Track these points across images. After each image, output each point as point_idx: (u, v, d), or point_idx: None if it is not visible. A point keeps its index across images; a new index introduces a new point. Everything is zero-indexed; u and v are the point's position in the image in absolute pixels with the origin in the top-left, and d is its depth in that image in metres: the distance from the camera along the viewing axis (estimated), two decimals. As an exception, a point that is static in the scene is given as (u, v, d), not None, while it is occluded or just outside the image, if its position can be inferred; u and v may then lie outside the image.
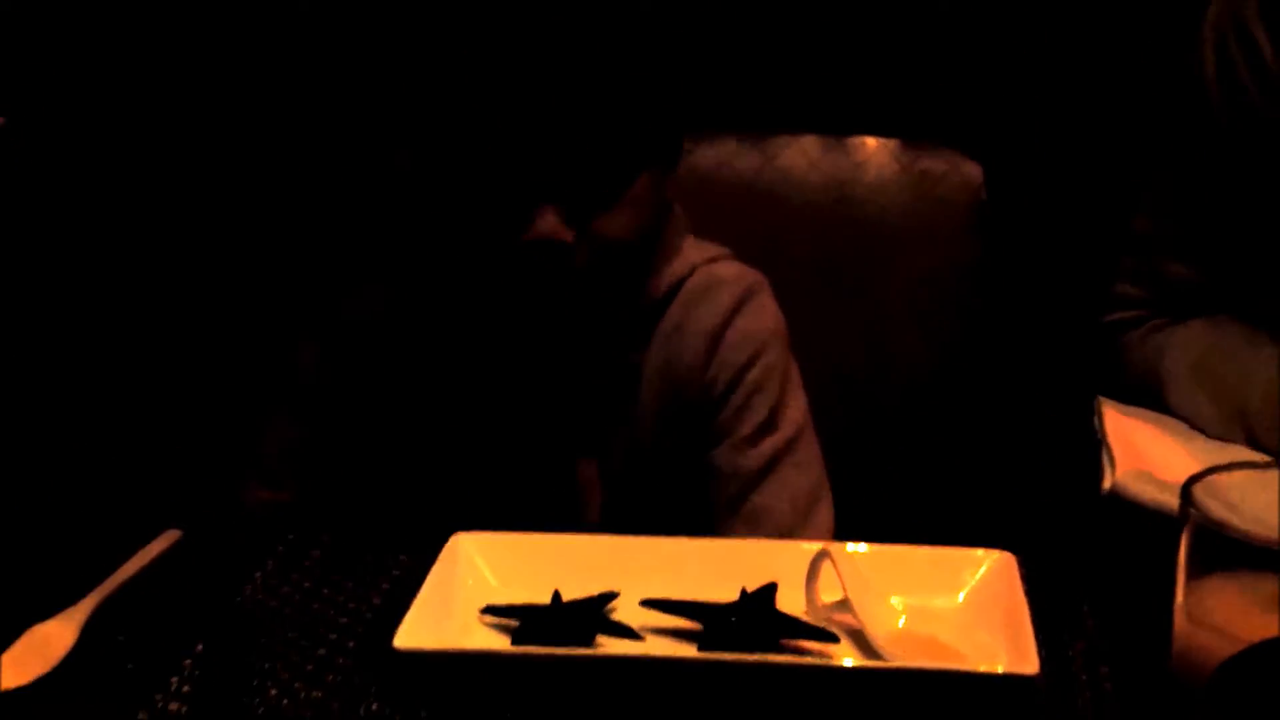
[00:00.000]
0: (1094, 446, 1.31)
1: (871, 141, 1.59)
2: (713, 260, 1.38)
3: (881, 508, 1.39)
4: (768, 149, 1.59)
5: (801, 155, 1.59)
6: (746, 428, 1.34)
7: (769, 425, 1.34)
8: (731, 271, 1.38)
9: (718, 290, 1.36)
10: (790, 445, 1.34)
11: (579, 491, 1.34)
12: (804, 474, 1.34)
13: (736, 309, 1.36)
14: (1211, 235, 1.39)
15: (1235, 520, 0.81)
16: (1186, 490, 0.81)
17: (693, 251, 1.38)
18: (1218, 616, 0.79)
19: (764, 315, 1.37)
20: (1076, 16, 1.92)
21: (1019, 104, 1.94)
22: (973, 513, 1.47)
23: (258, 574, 1.13)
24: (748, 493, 1.33)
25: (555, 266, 1.27)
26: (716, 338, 1.35)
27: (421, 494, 1.35)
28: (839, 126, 1.60)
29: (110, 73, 1.95)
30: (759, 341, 1.36)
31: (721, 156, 1.58)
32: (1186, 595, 0.80)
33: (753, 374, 1.35)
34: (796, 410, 1.35)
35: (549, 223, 1.26)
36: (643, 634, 1.02)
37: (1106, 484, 1.24)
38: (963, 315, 1.56)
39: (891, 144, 1.59)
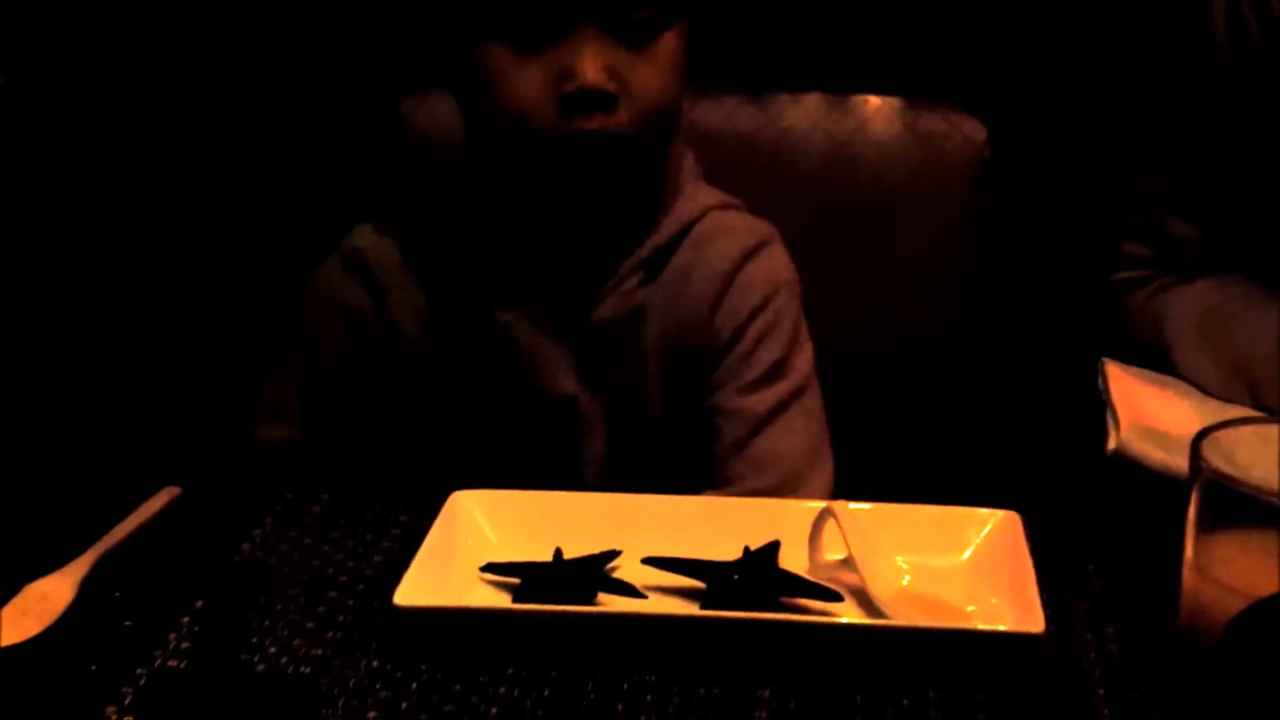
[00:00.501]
0: (1098, 406, 1.30)
1: (874, 100, 1.58)
2: (725, 207, 1.37)
3: (885, 467, 1.38)
4: (770, 108, 1.58)
5: (804, 114, 1.58)
6: (755, 371, 1.32)
7: (778, 370, 1.33)
8: (744, 220, 1.37)
9: (728, 235, 1.35)
10: (798, 393, 1.33)
11: (581, 428, 1.33)
12: (812, 423, 1.33)
13: (748, 255, 1.35)
14: (1218, 194, 1.38)
15: (1242, 476, 0.80)
16: (1195, 446, 0.80)
17: (705, 195, 1.37)
18: (1226, 572, 0.78)
19: (775, 263, 1.36)
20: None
21: (1023, 62, 1.92)
22: (977, 472, 1.46)
23: (257, 531, 1.12)
24: (753, 436, 1.31)
25: (600, 123, 1.23)
26: (726, 282, 1.33)
27: (424, 429, 1.33)
28: (842, 85, 1.59)
29: (110, 31, 1.94)
30: (770, 287, 1.34)
31: (723, 115, 1.57)
32: (1195, 551, 0.79)
33: (762, 318, 1.33)
34: (804, 360, 1.34)
35: (592, 71, 1.22)
36: (645, 592, 1.02)
37: (1111, 444, 1.24)
38: (965, 275, 1.56)
39: (894, 103, 1.58)
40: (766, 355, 1.33)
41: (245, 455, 1.37)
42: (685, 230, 1.35)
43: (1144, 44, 1.69)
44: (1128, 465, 1.22)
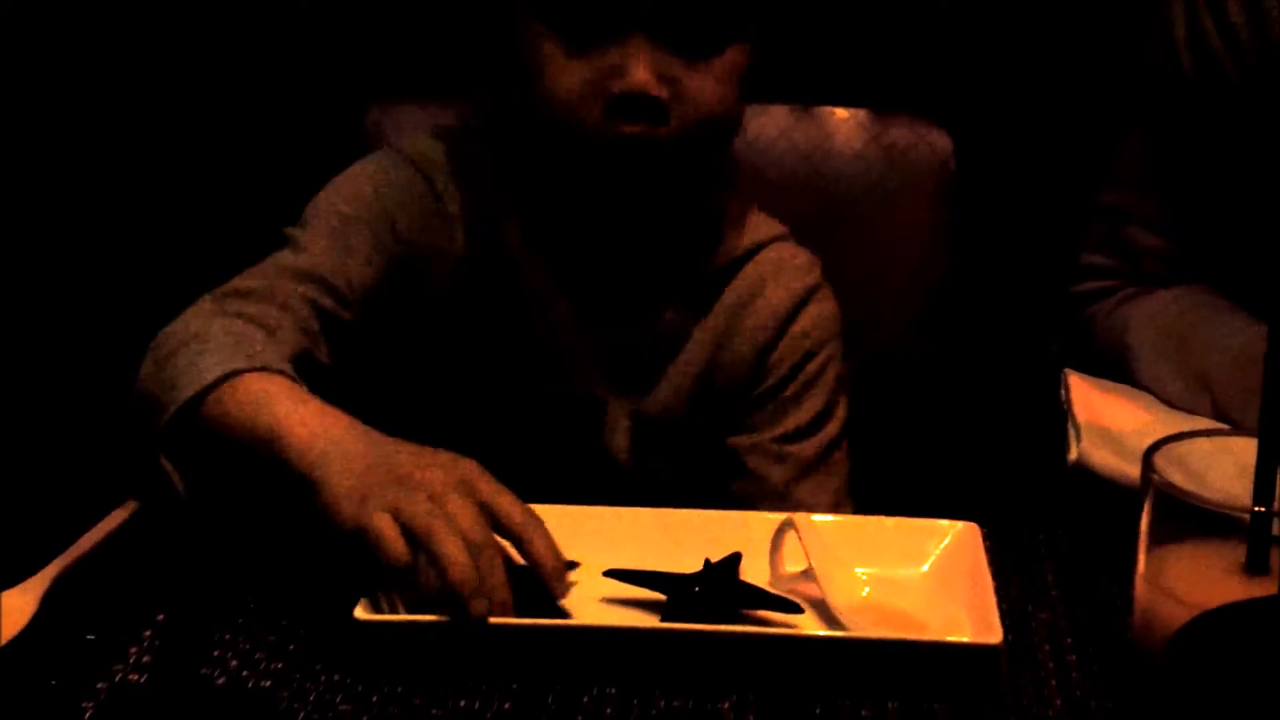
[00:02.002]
0: (1059, 417, 1.30)
1: (841, 112, 1.58)
2: (779, 239, 1.35)
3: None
4: (737, 119, 1.58)
5: (771, 125, 1.58)
6: (800, 419, 1.31)
7: (821, 420, 1.32)
8: (803, 256, 1.35)
9: (792, 272, 1.34)
10: (836, 443, 1.32)
11: (603, 428, 1.31)
12: (844, 471, 1.33)
13: (810, 294, 1.34)
14: (1182, 203, 1.38)
15: (1197, 488, 0.81)
16: (1148, 458, 0.80)
17: (759, 224, 1.35)
18: (1178, 584, 0.79)
19: (827, 310, 1.35)
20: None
21: (988, 75, 1.93)
22: (936, 483, 1.46)
23: (216, 544, 1.12)
24: (794, 484, 1.30)
25: (645, 128, 1.18)
26: (780, 328, 1.32)
27: (434, 402, 1.29)
28: (808, 96, 1.59)
29: (71, 46, 1.93)
30: (824, 334, 1.33)
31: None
32: (1147, 563, 0.80)
33: (813, 365, 1.32)
34: (843, 408, 1.34)
35: (642, 73, 1.17)
36: (606, 604, 1.02)
37: (1072, 456, 1.24)
38: (931, 286, 1.56)
39: (860, 114, 1.58)
40: (811, 404, 1.32)
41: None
42: (740, 261, 1.33)
43: (1107, 55, 1.70)
44: (1088, 476, 1.22)
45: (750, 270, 1.33)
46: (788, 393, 1.32)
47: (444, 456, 1.03)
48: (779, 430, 1.31)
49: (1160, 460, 0.81)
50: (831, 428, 1.33)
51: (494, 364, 1.30)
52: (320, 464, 1.01)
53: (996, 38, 1.91)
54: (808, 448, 1.31)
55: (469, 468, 1.02)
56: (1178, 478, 0.80)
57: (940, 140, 1.57)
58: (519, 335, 1.30)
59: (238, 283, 1.22)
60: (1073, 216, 1.50)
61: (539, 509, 1.02)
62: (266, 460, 1.04)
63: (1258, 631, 0.64)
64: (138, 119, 1.94)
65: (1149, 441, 1.23)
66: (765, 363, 1.32)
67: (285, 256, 1.25)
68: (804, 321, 1.33)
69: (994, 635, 0.95)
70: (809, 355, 1.33)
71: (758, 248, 1.34)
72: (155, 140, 1.94)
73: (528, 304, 1.29)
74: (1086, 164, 1.52)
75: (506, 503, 1.01)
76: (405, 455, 1.02)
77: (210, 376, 1.08)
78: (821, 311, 1.34)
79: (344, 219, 1.26)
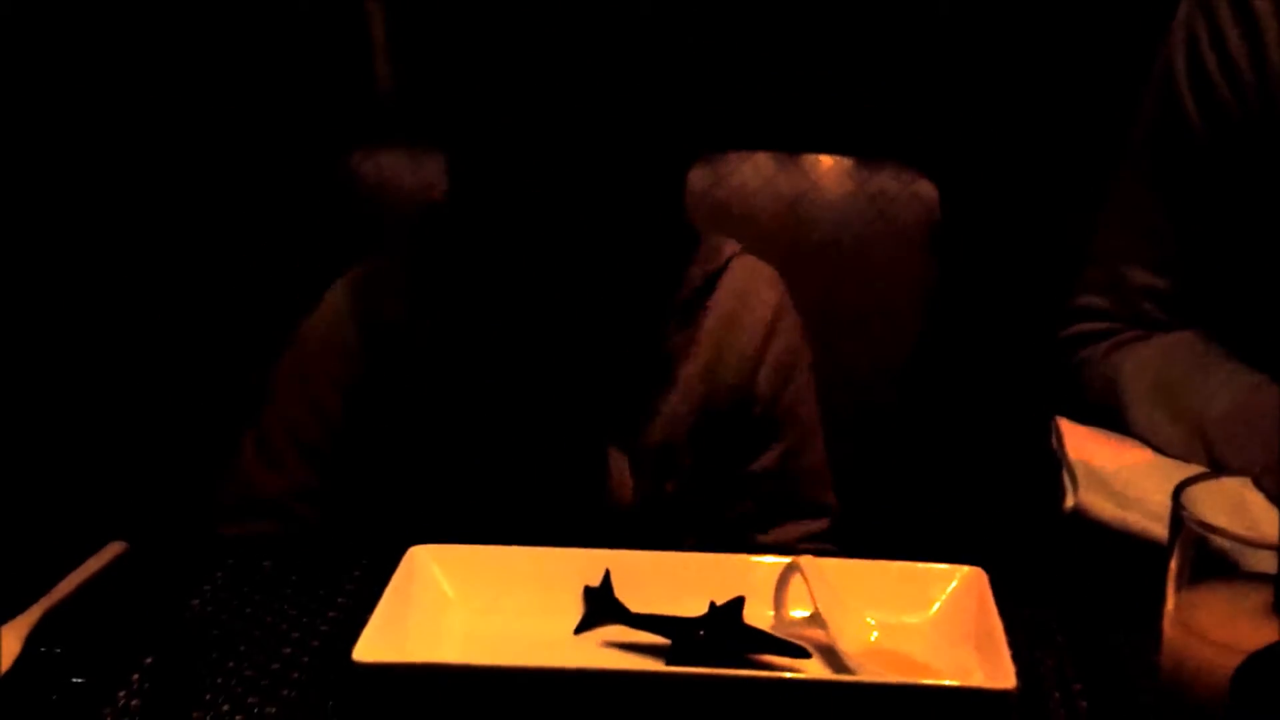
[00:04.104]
0: (1053, 464, 1.30)
1: (826, 160, 1.58)
2: (740, 254, 1.36)
3: (845, 524, 1.37)
4: (721, 166, 1.58)
5: (755, 173, 1.58)
6: (798, 431, 1.35)
7: (811, 424, 1.36)
8: (764, 268, 1.37)
9: (762, 283, 1.35)
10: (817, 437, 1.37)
11: (609, 483, 1.30)
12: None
13: (783, 302, 1.36)
14: (1182, 242, 1.38)
15: (1221, 527, 0.80)
16: (1177, 497, 0.79)
17: (723, 245, 1.35)
18: (1210, 625, 0.78)
19: (796, 316, 1.37)
20: (1032, 35, 1.93)
21: (975, 123, 1.94)
22: (938, 528, 1.45)
23: (206, 586, 1.09)
24: (797, 490, 1.35)
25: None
26: (770, 334, 1.34)
27: (442, 488, 1.29)
28: (794, 144, 1.59)
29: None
30: (802, 342, 1.36)
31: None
32: (1177, 604, 0.79)
33: (803, 367, 1.36)
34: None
35: None
36: (609, 648, 1.00)
37: (1068, 502, 1.23)
38: (917, 334, 1.56)
39: (846, 162, 1.58)
40: (810, 402, 1.36)
41: (242, 507, 1.32)
42: (713, 279, 1.33)
43: (1094, 106, 1.70)
44: (1085, 523, 1.21)
45: (724, 291, 1.33)
46: (783, 404, 1.34)
47: None
48: (787, 444, 1.34)
49: (1189, 499, 0.80)
50: (819, 430, 1.36)
51: (487, 427, 1.29)
52: None
53: (983, 85, 1.92)
54: (811, 456, 1.35)
55: None
56: (1209, 517, 0.79)
57: (926, 189, 1.57)
58: (506, 398, 1.29)
59: None
60: (1060, 263, 1.49)
61: (541, 553, 1.00)
62: None
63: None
64: (119, 154, 1.92)
65: (1144, 488, 1.24)
66: (755, 381, 1.33)
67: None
68: (784, 336, 1.35)
69: (1007, 680, 0.93)
70: (793, 369, 1.34)
71: (725, 267, 1.34)
72: (136, 181, 1.92)
73: (505, 374, 1.29)
74: (1073, 213, 1.52)
75: None
76: None
77: None
78: (795, 323, 1.36)
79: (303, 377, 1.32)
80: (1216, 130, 1.34)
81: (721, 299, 1.33)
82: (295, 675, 0.99)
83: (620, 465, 1.29)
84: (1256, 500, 0.85)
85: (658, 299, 1.31)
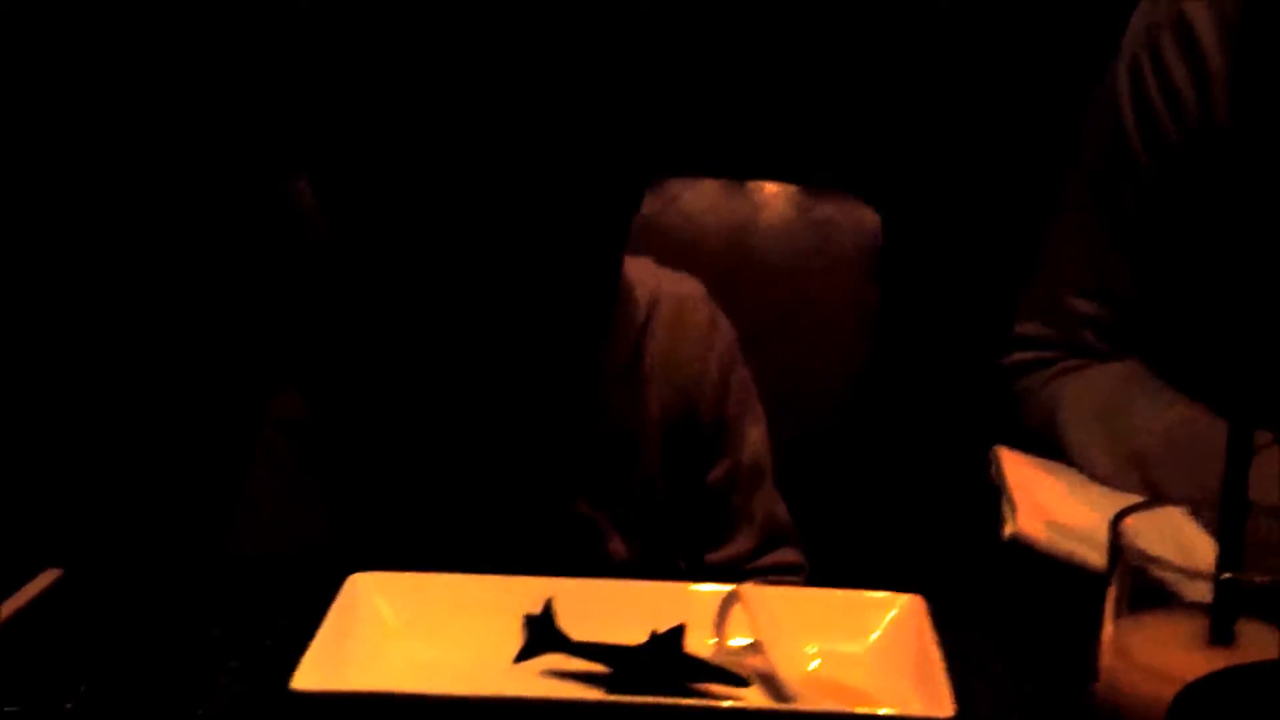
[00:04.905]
0: (992, 492, 1.30)
1: (770, 186, 1.59)
2: (656, 274, 1.35)
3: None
4: (667, 191, 1.58)
5: (701, 199, 1.58)
6: (751, 440, 1.35)
7: (762, 432, 1.36)
8: (686, 283, 1.36)
9: (690, 306, 1.35)
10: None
11: (597, 541, 1.30)
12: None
13: (714, 319, 1.36)
14: (1121, 271, 1.39)
15: (1160, 557, 0.80)
16: (1115, 525, 0.80)
17: (636, 265, 1.33)
18: (1145, 653, 0.78)
19: (726, 323, 1.37)
20: (974, 65, 1.94)
21: (918, 152, 1.95)
22: (878, 555, 1.46)
23: (142, 613, 1.08)
24: (751, 500, 1.35)
25: None
26: (708, 351, 1.34)
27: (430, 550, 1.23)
28: (739, 171, 1.60)
29: None
30: (735, 344, 1.36)
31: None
32: (1116, 632, 0.79)
33: (739, 376, 1.36)
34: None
35: None
36: (549, 677, 1.00)
37: (1007, 530, 1.24)
38: (859, 360, 1.56)
39: (790, 190, 1.59)
40: (757, 409, 1.37)
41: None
42: (648, 317, 1.32)
43: (1037, 131, 1.72)
44: (1023, 551, 1.22)
45: (662, 321, 1.33)
46: (731, 415, 1.34)
47: None
48: (738, 455, 1.34)
49: (1127, 528, 0.80)
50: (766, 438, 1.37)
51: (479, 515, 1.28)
52: None
53: (925, 114, 1.93)
54: (763, 461, 1.36)
55: None
56: (1148, 546, 0.79)
57: (869, 217, 1.58)
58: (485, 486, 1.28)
59: None
60: (999, 292, 1.50)
61: (484, 580, 1.00)
62: None
63: (1250, 701, 0.64)
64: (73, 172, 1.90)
65: (1081, 517, 1.25)
66: (701, 408, 1.33)
67: None
68: (721, 344, 1.35)
69: (945, 709, 0.93)
70: (733, 378, 1.35)
71: (655, 296, 1.33)
72: (83, 212, 1.91)
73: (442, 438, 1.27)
74: (1014, 242, 1.53)
75: None
76: None
77: None
78: (728, 333, 1.36)
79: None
80: (1160, 160, 1.35)
81: (658, 338, 1.32)
82: (234, 702, 0.98)
83: (613, 533, 1.29)
84: (1194, 530, 0.85)
85: (588, 370, 1.30)
